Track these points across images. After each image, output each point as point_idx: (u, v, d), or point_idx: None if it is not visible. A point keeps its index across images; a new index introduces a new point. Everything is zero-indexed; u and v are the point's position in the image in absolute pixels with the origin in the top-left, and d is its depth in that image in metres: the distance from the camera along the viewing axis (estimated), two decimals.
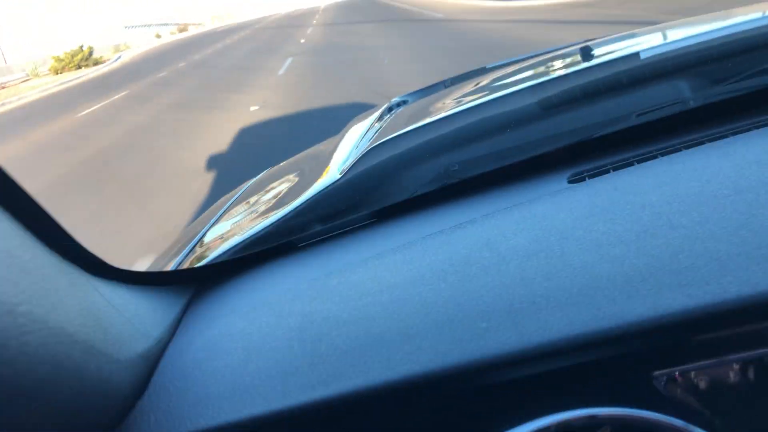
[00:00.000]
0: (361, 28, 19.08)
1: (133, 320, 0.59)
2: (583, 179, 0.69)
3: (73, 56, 27.11)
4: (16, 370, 0.41)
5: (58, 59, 27.25)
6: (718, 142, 0.68)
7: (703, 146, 0.68)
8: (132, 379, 0.56)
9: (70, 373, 0.47)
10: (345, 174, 0.80)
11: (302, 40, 18.89)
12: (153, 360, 0.61)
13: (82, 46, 27.92)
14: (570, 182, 0.70)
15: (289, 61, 13.22)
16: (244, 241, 0.77)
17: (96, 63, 27.82)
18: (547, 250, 0.58)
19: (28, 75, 27.32)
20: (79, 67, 27.11)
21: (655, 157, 0.69)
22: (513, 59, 1.48)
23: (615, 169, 0.69)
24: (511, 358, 0.51)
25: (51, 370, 0.45)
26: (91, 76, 23.39)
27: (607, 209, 0.60)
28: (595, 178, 0.68)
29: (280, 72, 11.63)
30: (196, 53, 22.56)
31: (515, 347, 0.51)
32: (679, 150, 0.69)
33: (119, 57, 32.04)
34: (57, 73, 26.97)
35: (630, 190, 0.63)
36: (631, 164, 0.69)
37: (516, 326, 0.52)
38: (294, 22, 33.53)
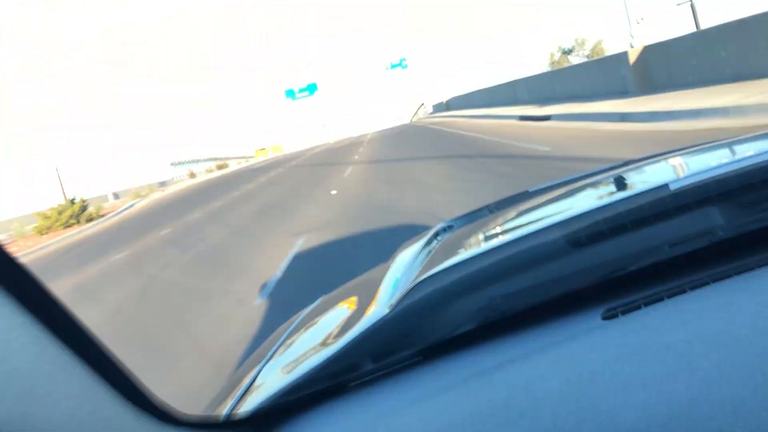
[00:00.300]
0: (417, 170, 12.62)
1: None
2: (616, 315, 0.71)
3: (60, 212, 22.07)
4: None
5: (44, 216, 22.25)
6: (744, 275, 0.70)
7: (729, 279, 0.70)
8: None
9: None
10: (393, 309, 0.81)
11: (333, 191, 12.70)
12: None
13: (73, 199, 22.97)
14: (604, 319, 0.72)
15: (293, 252, 7.03)
16: (297, 380, 0.79)
17: (90, 219, 22.71)
18: (578, 394, 0.59)
19: (11, 237, 22.40)
20: (68, 225, 22.00)
21: (684, 291, 0.71)
22: (555, 182, 1.55)
23: (646, 304, 0.71)
24: None
25: None
26: (66, 241, 18.08)
27: (635, 351, 0.62)
28: (628, 314, 0.70)
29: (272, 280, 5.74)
30: (202, 207, 17.03)
31: None
32: (707, 284, 0.71)
33: (131, 205, 27.09)
34: (41, 234, 21.88)
35: (657, 329, 0.64)
36: (661, 299, 0.71)
37: None
38: (333, 157, 27.95)
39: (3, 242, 0.45)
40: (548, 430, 0.57)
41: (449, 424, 0.63)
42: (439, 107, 68.96)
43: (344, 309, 1.16)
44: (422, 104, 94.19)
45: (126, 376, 0.54)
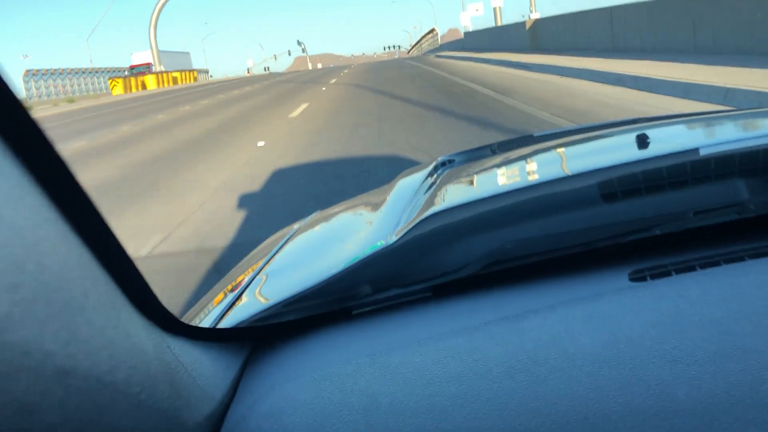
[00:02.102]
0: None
1: (198, 380, 0.58)
2: (644, 278, 0.69)
3: None
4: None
5: None
6: None
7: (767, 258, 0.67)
8: None
9: None
10: (401, 237, 0.79)
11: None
12: (216, 424, 0.60)
13: None
14: (631, 280, 0.69)
15: None
16: (298, 296, 0.75)
17: None
18: (618, 359, 0.56)
19: None
20: None
21: (717, 263, 0.68)
22: (561, 130, 1.51)
23: (677, 271, 0.68)
24: None
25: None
26: None
27: (675, 321, 0.59)
28: (658, 279, 0.68)
29: None
30: None
31: None
32: (743, 259, 0.68)
33: None
34: None
35: (696, 301, 0.62)
36: (693, 268, 0.68)
37: None
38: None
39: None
40: (588, 394, 0.53)
41: (472, 371, 0.58)
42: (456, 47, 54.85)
43: (342, 228, 1.13)
44: (433, 31, 78.49)
45: (141, 281, 0.50)
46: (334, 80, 26.75)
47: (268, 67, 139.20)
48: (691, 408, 0.49)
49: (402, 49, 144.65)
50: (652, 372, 0.53)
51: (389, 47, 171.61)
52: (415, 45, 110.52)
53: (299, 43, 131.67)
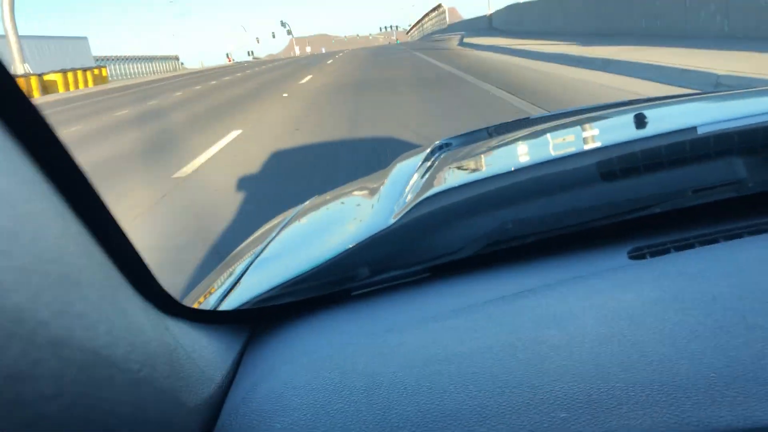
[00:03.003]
0: None
1: (198, 362, 0.58)
2: (643, 256, 0.69)
3: None
4: (88, 407, 0.40)
5: None
6: None
7: (766, 234, 0.67)
8: (198, 425, 0.55)
9: (144, 422, 0.46)
10: (399, 219, 0.79)
11: None
12: (216, 406, 0.60)
13: None
14: (630, 258, 0.69)
15: None
16: (296, 278, 0.76)
17: None
18: (620, 336, 0.55)
19: None
20: None
21: (716, 240, 0.68)
22: (557, 112, 1.52)
23: (676, 249, 0.68)
24: None
25: (129, 421, 0.44)
26: None
27: (676, 297, 0.59)
28: (657, 257, 0.68)
29: None
30: None
31: None
32: (741, 235, 0.68)
33: None
34: None
35: (697, 277, 0.62)
36: (692, 246, 0.68)
37: (597, 421, 0.49)
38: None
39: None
40: (590, 371, 0.52)
41: (472, 350, 0.58)
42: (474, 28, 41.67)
43: (340, 212, 1.13)
44: (439, 7, 64.74)
45: (140, 261, 0.50)
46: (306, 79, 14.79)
47: (252, 52, 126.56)
48: (693, 383, 0.49)
49: (400, 30, 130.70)
50: (653, 348, 0.53)
51: (385, 27, 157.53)
52: (415, 25, 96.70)
53: (283, 24, 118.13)
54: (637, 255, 0.69)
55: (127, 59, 69.13)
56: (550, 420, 0.50)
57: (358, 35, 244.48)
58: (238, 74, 27.47)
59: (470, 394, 0.53)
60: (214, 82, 22.46)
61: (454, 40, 30.13)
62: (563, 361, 0.54)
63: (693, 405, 0.48)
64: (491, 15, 37.16)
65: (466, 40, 24.82)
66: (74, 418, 0.38)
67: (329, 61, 28.10)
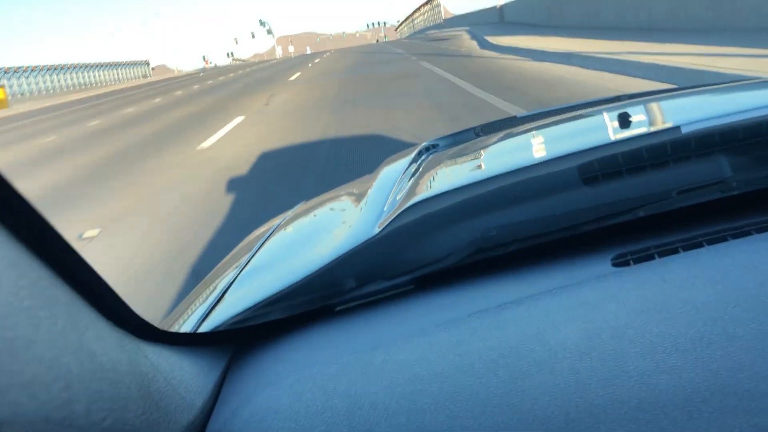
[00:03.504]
0: None
1: (178, 388, 0.57)
2: (627, 263, 0.69)
3: None
4: None
5: None
6: (766, 233, 0.67)
7: (751, 237, 0.67)
8: None
9: None
10: (383, 228, 0.79)
11: None
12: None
13: None
14: (614, 265, 0.69)
15: None
16: (280, 294, 0.75)
17: None
18: (601, 350, 0.55)
19: None
20: None
21: (700, 244, 0.68)
22: (544, 110, 1.50)
23: (660, 254, 0.68)
24: None
25: None
26: None
27: (659, 307, 0.59)
28: (641, 264, 0.68)
29: None
30: None
31: None
32: (725, 239, 0.68)
33: None
34: None
35: (680, 285, 0.62)
36: (676, 251, 0.68)
37: None
38: None
39: None
40: (569, 388, 0.52)
41: (455, 367, 0.58)
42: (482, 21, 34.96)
43: (326, 220, 1.12)
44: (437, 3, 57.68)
45: (111, 293, 0.49)
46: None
47: (231, 53, 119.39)
48: (671, 398, 0.49)
49: (388, 26, 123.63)
50: (633, 363, 0.53)
51: (373, 24, 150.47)
52: (405, 21, 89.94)
53: (262, 23, 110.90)
54: (620, 262, 0.69)
55: (86, 67, 62.00)
56: None
57: (344, 33, 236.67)
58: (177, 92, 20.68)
59: (450, 414, 0.54)
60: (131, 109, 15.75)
61: (464, 39, 22.98)
62: (543, 378, 0.54)
63: (671, 422, 0.48)
64: (502, 6, 30.51)
65: (491, 39, 17.37)
66: None
67: (309, 64, 21.42)
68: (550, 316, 0.61)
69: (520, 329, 0.61)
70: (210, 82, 27.23)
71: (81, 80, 59.28)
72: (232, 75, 31.05)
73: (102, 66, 65.88)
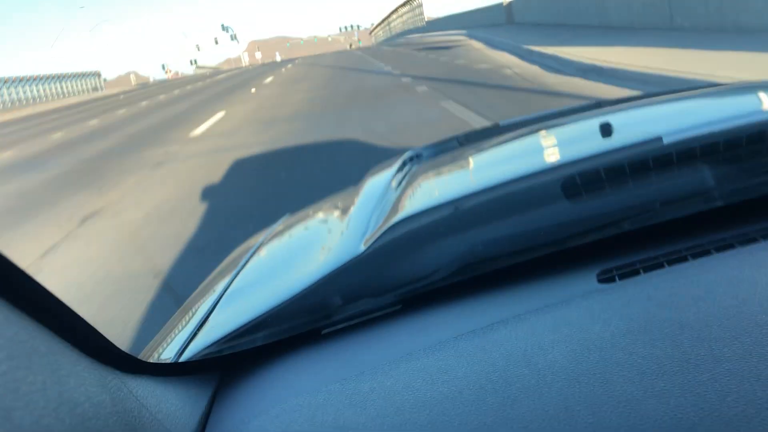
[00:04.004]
0: None
1: (164, 422, 0.56)
2: (613, 279, 0.69)
3: None
4: None
5: None
6: (750, 246, 0.67)
7: (734, 250, 0.67)
8: None
9: None
10: (369, 246, 0.78)
11: None
12: None
13: None
14: (600, 282, 0.69)
15: None
16: (264, 317, 0.74)
17: None
18: (589, 375, 0.55)
19: None
20: None
21: (685, 258, 0.68)
22: (527, 117, 1.48)
23: (645, 269, 0.68)
24: None
25: None
26: None
27: (644, 327, 0.59)
28: (626, 280, 0.68)
29: None
30: None
31: None
32: (709, 252, 0.68)
33: None
34: None
35: (665, 303, 0.62)
36: (661, 266, 0.68)
37: None
38: None
39: None
40: (558, 414, 0.52)
41: (443, 394, 0.58)
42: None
43: (308, 240, 1.09)
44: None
45: (91, 331, 0.49)
46: None
47: (195, 61, 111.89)
48: (660, 424, 0.49)
49: (362, 30, 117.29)
50: (621, 387, 0.53)
51: (346, 28, 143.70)
52: (380, 23, 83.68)
53: (225, 28, 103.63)
54: (606, 278, 0.69)
55: (21, 81, 54.62)
56: None
57: (316, 37, 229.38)
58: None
59: None
60: None
61: (477, 48, 16.41)
62: (532, 405, 0.54)
63: None
64: (510, 3, 24.31)
65: (543, 50, 10.49)
66: None
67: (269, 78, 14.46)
68: (537, 338, 0.61)
69: (507, 352, 0.60)
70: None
71: (15, 96, 51.94)
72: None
73: (41, 79, 58.40)
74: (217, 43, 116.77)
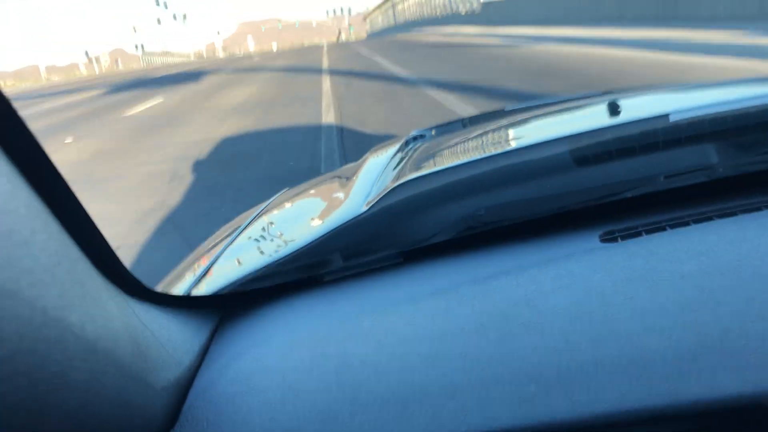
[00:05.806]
0: None
1: (166, 345, 0.59)
2: (615, 239, 0.70)
3: None
4: (50, 388, 0.40)
5: None
6: (753, 213, 0.68)
7: (736, 217, 0.68)
8: (164, 407, 0.56)
9: (104, 397, 0.46)
10: (371, 207, 0.80)
11: None
12: (184, 389, 0.61)
13: None
14: (602, 241, 0.70)
15: None
16: (268, 266, 0.76)
17: None
18: (590, 314, 0.57)
19: None
20: None
21: (687, 223, 0.69)
22: (532, 103, 1.49)
23: (648, 232, 0.69)
24: (564, 428, 0.50)
25: (86, 390, 0.44)
26: None
27: (646, 276, 0.60)
28: (628, 240, 0.69)
29: None
30: None
31: (568, 416, 0.50)
32: (711, 218, 0.69)
33: None
34: None
35: (667, 257, 0.63)
36: (663, 229, 0.69)
37: (567, 393, 0.51)
38: None
39: None
40: (560, 347, 0.54)
41: (443, 330, 0.60)
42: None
43: (312, 202, 1.12)
44: None
45: (98, 240, 0.50)
46: None
47: (141, 45, 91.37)
48: (661, 357, 0.50)
49: (354, 15, 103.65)
50: (622, 324, 0.54)
51: (334, 11, 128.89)
52: (378, 7, 70.44)
53: (158, 2, 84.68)
54: (609, 238, 0.69)
55: None
56: (519, 394, 0.51)
57: (297, 24, 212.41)
58: None
59: (440, 371, 0.55)
60: None
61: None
62: (533, 338, 0.55)
63: (661, 377, 0.49)
64: None
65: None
66: (15, 372, 0.37)
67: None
68: (539, 284, 0.62)
69: (509, 296, 0.62)
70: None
71: None
72: None
73: None
74: (159, 23, 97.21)
